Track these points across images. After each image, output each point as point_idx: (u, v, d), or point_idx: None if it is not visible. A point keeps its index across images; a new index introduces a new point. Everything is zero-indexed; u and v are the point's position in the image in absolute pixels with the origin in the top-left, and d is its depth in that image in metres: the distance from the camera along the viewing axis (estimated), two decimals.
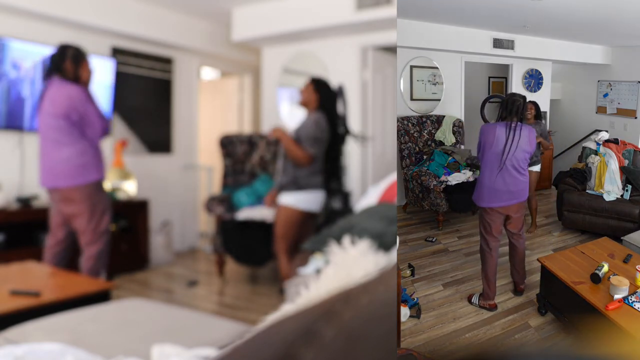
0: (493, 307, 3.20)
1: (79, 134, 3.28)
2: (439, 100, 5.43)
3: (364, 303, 0.49)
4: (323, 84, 3.56)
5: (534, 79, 5.71)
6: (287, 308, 1.40)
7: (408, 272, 3.65)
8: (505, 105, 3.08)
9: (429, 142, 5.15)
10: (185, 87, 5.81)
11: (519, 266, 3.35)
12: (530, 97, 5.27)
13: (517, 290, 3.39)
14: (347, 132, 3.66)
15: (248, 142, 5.12)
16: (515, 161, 3.03)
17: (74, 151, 3.27)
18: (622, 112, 5.50)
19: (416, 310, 3.13)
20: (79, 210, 3.34)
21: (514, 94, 3.16)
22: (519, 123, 3.04)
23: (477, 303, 3.24)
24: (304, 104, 3.53)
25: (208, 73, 7.03)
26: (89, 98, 3.30)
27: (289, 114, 5.34)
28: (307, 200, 3.44)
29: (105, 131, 3.40)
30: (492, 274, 3.19)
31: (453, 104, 5.49)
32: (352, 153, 4.98)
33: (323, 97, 3.51)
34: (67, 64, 3.29)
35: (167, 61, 5.54)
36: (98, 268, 3.43)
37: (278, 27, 4.94)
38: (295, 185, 3.44)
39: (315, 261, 2.27)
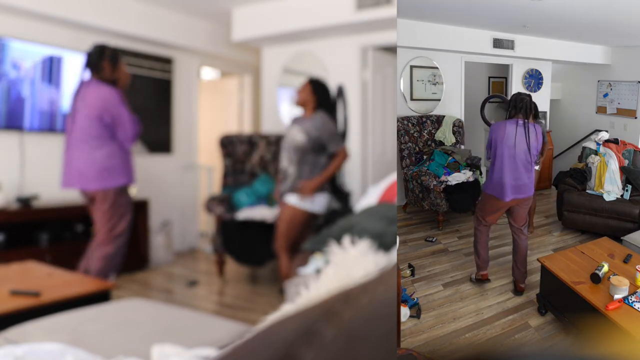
0: (485, 278, 3.47)
1: (109, 136, 3.25)
2: (439, 100, 5.43)
3: (364, 303, 0.49)
4: (321, 84, 3.56)
5: (534, 79, 5.71)
6: (287, 308, 1.40)
7: (408, 272, 3.65)
8: (514, 103, 3.20)
9: (429, 142, 5.15)
10: (185, 87, 5.81)
11: (521, 264, 3.39)
12: None
13: (517, 290, 3.39)
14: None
15: (248, 142, 5.12)
16: (524, 157, 3.16)
17: (102, 154, 3.23)
18: (622, 112, 5.50)
19: (416, 310, 3.13)
20: (97, 210, 3.33)
21: (521, 93, 3.28)
22: (526, 120, 3.16)
23: (474, 279, 3.51)
24: (301, 104, 3.53)
25: (208, 73, 7.03)
26: (123, 101, 3.27)
27: (289, 114, 5.34)
28: (316, 201, 3.46)
29: (137, 135, 3.37)
30: (481, 248, 3.46)
31: (453, 104, 5.49)
32: (352, 153, 4.98)
33: (321, 97, 3.51)
34: (105, 63, 3.26)
35: (167, 61, 5.54)
36: (107, 270, 3.38)
37: (278, 27, 4.94)
38: None
39: (315, 261, 2.27)
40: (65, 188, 3.38)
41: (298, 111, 3.67)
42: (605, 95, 5.72)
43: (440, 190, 4.42)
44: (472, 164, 4.73)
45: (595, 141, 4.70)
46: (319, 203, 3.46)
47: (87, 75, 3.28)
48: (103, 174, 3.24)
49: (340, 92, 4.92)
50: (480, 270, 3.49)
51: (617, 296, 2.58)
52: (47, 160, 4.52)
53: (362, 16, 4.42)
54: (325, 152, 3.45)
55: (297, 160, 3.41)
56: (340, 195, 3.93)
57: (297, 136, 3.41)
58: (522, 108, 3.16)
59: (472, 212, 4.79)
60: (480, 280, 3.48)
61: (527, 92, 3.33)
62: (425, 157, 4.99)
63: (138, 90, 5.29)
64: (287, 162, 3.47)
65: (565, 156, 6.24)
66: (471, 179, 4.59)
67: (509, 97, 3.43)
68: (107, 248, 3.36)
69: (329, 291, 1.22)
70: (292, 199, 3.44)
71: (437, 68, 5.36)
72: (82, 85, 3.27)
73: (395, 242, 2.10)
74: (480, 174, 4.79)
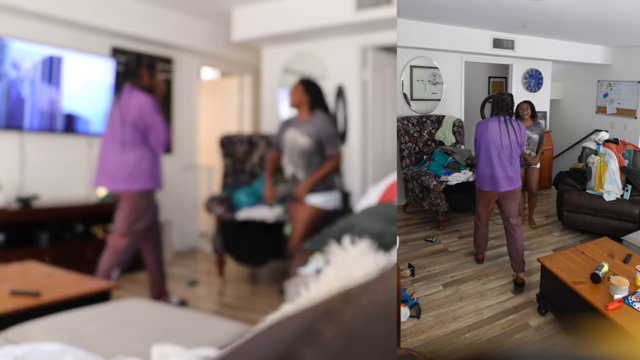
0: (481, 260, 3.81)
1: (141, 141, 3.39)
2: (439, 100, 5.43)
3: (364, 303, 0.49)
4: (312, 84, 3.56)
5: (534, 79, 5.71)
6: (287, 308, 1.40)
7: (408, 272, 3.65)
8: (496, 103, 3.49)
9: (429, 142, 5.14)
10: (185, 87, 5.81)
11: (516, 253, 3.49)
12: (530, 97, 5.28)
13: (517, 283, 3.40)
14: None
15: (248, 142, 5.12)
16: (507, 151, 3.39)
17: (133, 157, 3.37)
18: (622, 112, 5.50)
19: (416, 310, 3.13)
20: (119, 208, 3.48)
21: (503, 93, 3.59)
22: (507, 117, 3.42)
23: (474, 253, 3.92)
24: (296, 105, 3.54)
25: (208, 73, 7.03)
26: (158, 109, 3.42)
27: (289, 114, 5.34)
28: (331, 199, 3.49)
29: (167, 143, 3.51)
30: (480, 240, 3.79)
31: (453, 104, 5.48)
32: (352, 153, 4.98)
33: (314, 97, 3.52)
34: (143, 71, 3.41)
35: (167, 61, 5.54)
36: (113, 265, 3.46)
37: (278, 27, 4.94)
38: (324, 186, 3.47)
39: (315, 261, 2.27)
40: (96, 187, 3.59)
41: (295, 112, 3.69)
42: (605, 95, 5.72)
43: (440, 190, 4.42)
44: (472, 164, 4.73)
45: (595, 141, 4.70)
46: (333, 201, 3.49)
47: (126, 82, 3.45)
48: (131, 176, 3.40)
49: (340, 92, 4.93)
50: (476, 256, 3.85)
51: (617, 296, 2.58)
52: (47, 160, 4.52)
53: (362, 16, 4.42)
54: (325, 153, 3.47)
55: (303, 165, 3.44)
56: (341, 195, 3.94)
57: (301, 140, 3.42)
58: (503, 107, 3.44)
59: (472, 212, 4.79)
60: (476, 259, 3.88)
61: (509, 93, 3.63)
62: (425, 157, 4.99)
63: None
64: (294, 167, 3.49)
65: (565, 156, 6.24)
66: (471, 179, 4.59)
67: None
68: (120, 241, 3.45)
69: (329, 291, 1.22)
70: (310, 199, 3.46)
71: (437, 68, 5.36)
72: (121, 91, 3.44)
73: (395, 242, 2.10)
74: None
